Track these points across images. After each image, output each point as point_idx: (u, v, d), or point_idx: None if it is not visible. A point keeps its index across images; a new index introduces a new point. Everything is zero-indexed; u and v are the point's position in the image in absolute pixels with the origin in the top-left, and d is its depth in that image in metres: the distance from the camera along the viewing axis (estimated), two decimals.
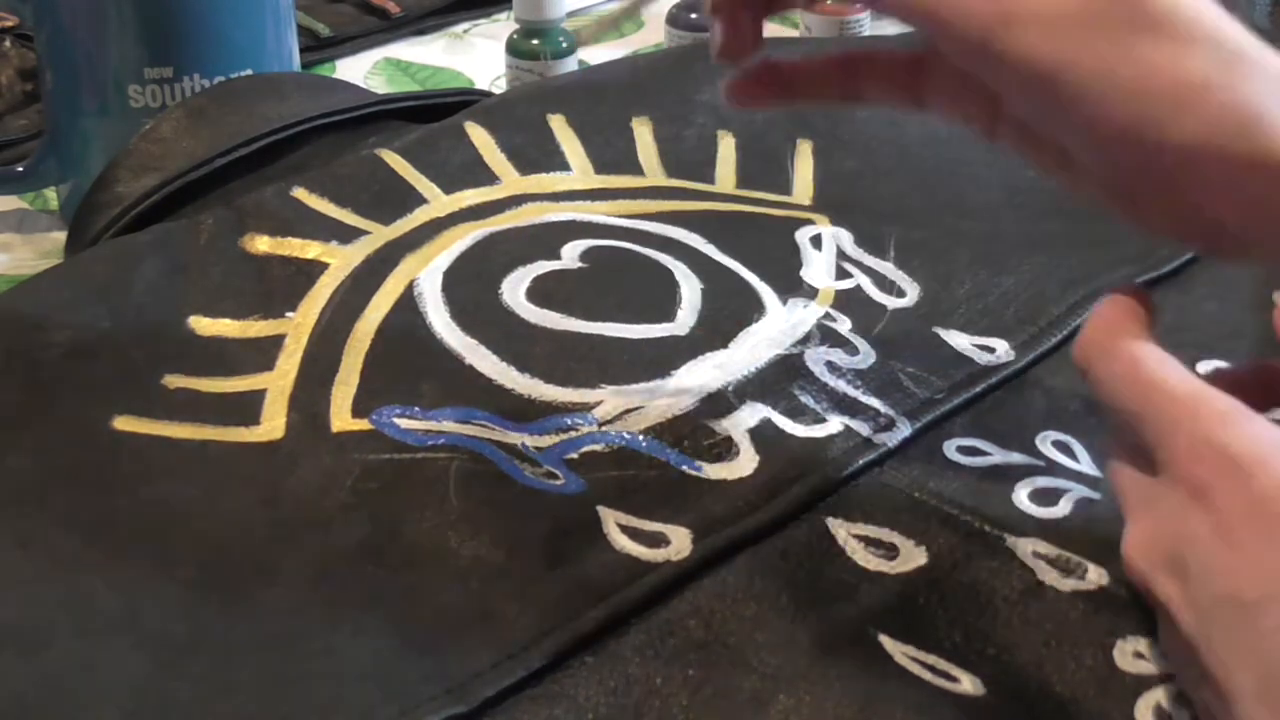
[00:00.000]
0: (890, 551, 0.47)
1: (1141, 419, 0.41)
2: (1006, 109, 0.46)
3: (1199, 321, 0.57)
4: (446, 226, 0.61)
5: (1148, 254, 0.60)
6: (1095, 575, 0.46)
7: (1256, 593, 0.36)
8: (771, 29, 1.00)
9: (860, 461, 0.50)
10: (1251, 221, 0.41)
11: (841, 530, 0.48)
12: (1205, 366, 0.54)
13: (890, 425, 0.51)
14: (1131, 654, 0.43)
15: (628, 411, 0.52)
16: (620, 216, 0.62)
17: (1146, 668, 0.43)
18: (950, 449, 0.51)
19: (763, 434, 0.51)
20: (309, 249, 0.59)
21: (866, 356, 0.55)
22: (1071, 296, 0.57)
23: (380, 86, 0.88)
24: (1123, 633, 0.44)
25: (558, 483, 0.49)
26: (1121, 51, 0.42)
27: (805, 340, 0.55)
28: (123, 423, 0.51)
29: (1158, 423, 0.41)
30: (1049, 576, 0.46)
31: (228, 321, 0.56)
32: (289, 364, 0.54)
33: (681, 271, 0.59)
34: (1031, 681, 0.43)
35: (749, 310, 0.57)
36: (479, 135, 0.66)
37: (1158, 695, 0.42)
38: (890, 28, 0.90)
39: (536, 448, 0.50)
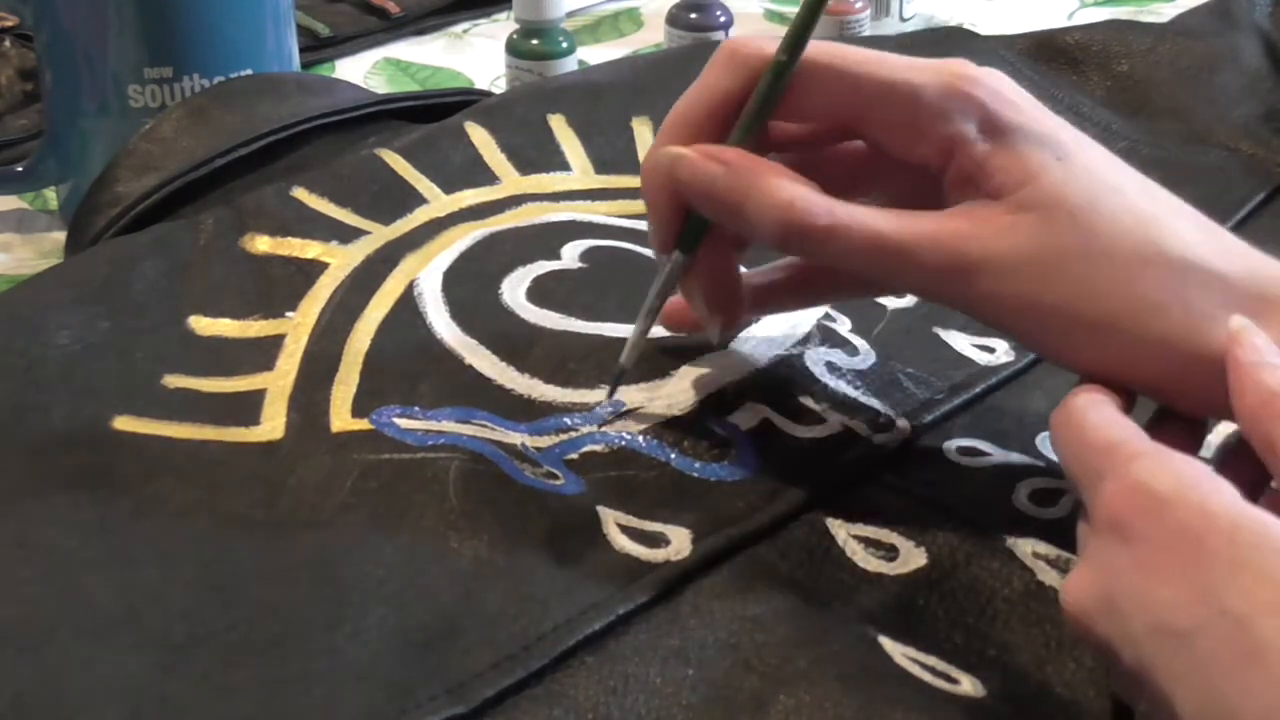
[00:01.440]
0: (890, 552, 0.47)
1: (1075, 468, 0.42)
2: None
3: None
4: (446, 226, 0.61)
5: None
6: None
7: (1188, 621, 0.36)
8: (772, 29, 1.00)
9: (860, 462, 0.50)
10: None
11: (841, 531, 0.48)
12: None
13: (890, 426, 0.51)
14: None
15: (628, 411, 0.52)
16: (620, 217, 0.62)
17: None
18: (950, 449, 0.51)
19: (762, 435, 0.51)
20: (309, 249, 0.59)
21: (866, 357, 0.55)
22: None
23: (380, 86, 0.88)
24: None
25: (557, 483, 0.49)
26: (1078, 286, 0.44)
27: (805, 341, 0.55)
28: (123, 423, 0.51)
29: (1085, 471, 0.41)
30: (1049, 577, 0.46)
31: (227, 321, 0.56)
32: (289, 364, 0.54)
33: None
34: (1031, 682, 0.43)
35: None
36: (479, 135, 0.66)
37: None
38: (891, 28, 0.91)
39: (536, 448, 0.50)
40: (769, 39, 0.47)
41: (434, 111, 0.69)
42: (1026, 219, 0.44)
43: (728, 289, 0.50)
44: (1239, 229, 0.62)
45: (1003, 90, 0.46)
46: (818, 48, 0.47)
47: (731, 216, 0.47)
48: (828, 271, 0.51)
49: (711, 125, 0.48)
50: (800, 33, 0.46)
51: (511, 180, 0.64)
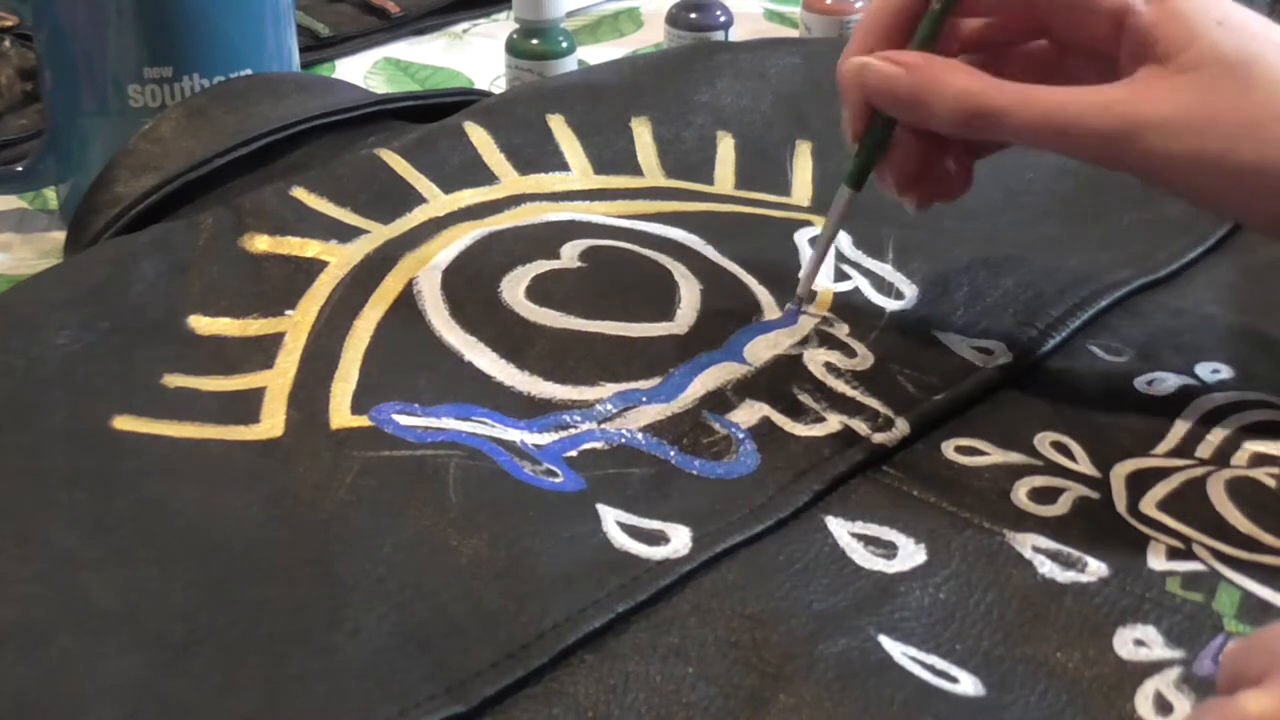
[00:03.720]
0: (889, 550, 0.47)
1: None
2: None
3: (1195, 326, 0.57)
4: (446, 226, 0.61)
5: (1145, 257, 0.60)
6: (1095, 567, 0.46)
7: None
8: (772, 29, 1.00)
9: (859, 461, 0.50)
10: None
11: (841, 529, 0.48)
12: (1203, 369, 0.55)
13: (889, 425, 0.51)
14: (1132, 642, 0.44)
15: (627, 409, 0.52)
16: (619, 217, 0.62)
17: (1146, 655, 0.43)
18: (949, 449, 0.51)
19: (762, 433, 0.51)
20: (308, 248, 0.59)
21: (865, 358, 0.55)
22: (1069, 299, 0.57)
23: (380, 86, 0.88)
24: (1123, 621, 0.44)
25: (557, 480, 0.49)
26: (1239, 136, 0.47)
27: (804, 341, 0.55)
28: (122, 422, 0.51)
29: None
30: (1048, 570, 0.46)
31: (227, 320, 0.56)
32: (288, 362, 0.54)
33: (680, 272, 0.59)
34: (1032, 674, 0.43)
35: (748, 311, 0.57)
36: (478, 135, 0.66)
37: (1157, 683, 0.42)
38: None
39: (536, 445, 0.50)
40: None
41: (434, 111, 0.69)
42: (1189, 79, 0.48)
43: (916, 176, 0.54)
44: (1240, 228, 0.62)
45: None
46: None
47: (914, 112, 0.51)
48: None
49: (896, 32, 0.53)
50: None
51: (511, 180, 0.64)
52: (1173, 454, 0.51)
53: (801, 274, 0.57)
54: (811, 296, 0.57)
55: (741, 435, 0.51)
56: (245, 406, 0.52)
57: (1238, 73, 0.48)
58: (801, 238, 0.61)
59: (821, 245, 0.56)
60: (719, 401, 0.52)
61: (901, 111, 0.52)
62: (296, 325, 0.56)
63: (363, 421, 0.51)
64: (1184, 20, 0.49)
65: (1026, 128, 0.49)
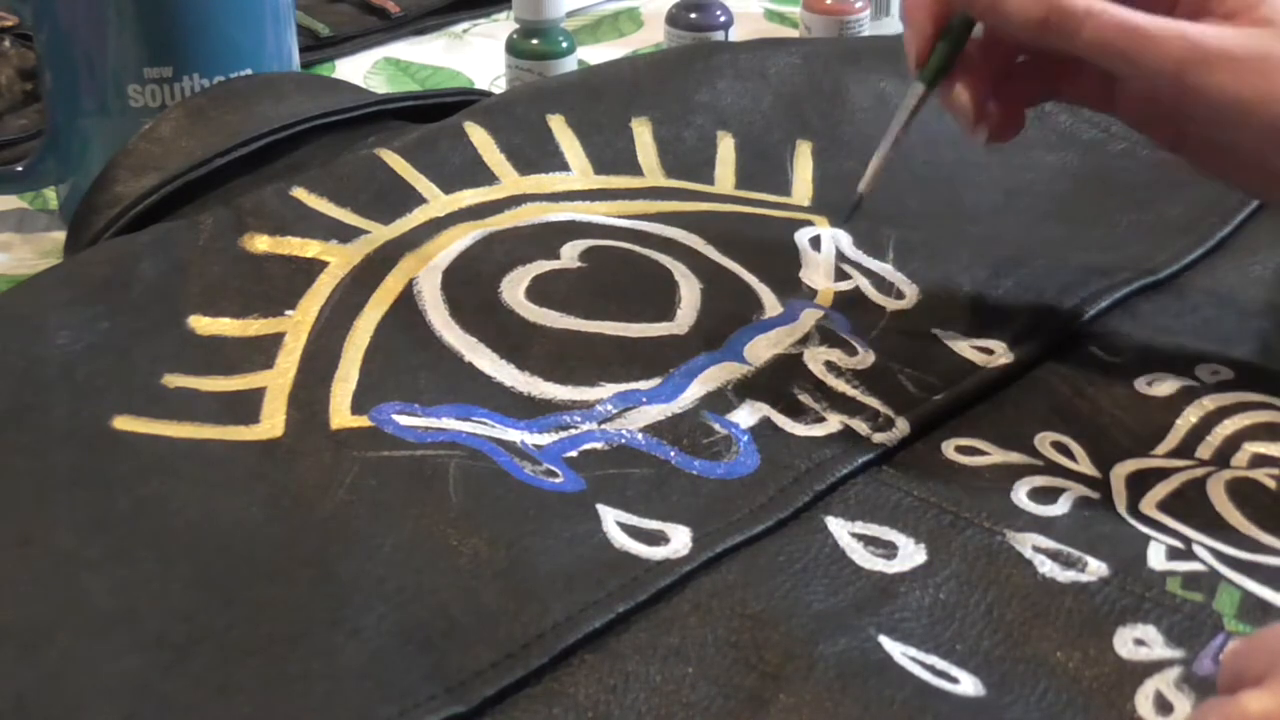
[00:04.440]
0: (889, 550, 0.47)
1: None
2: (1162, 112, 0.53)
3: (1195, 328, 0.57)
4: (446, 226, 0.61)
5: (1145, 259, 0.60)
6: (1095, 567, 0.46)
7: None
8: (772, 29, 1.00)
9: (859, 461, 0.50)
10: None
11: (841, 529, 0.48)
12: (1203, 370, 0.55)
13: (889, 425, 0.51)
14: (1132, 641, 0.44)
15: (627, 409, 0.52)
16: (619, 217, 0.62)
17: (1147, 654, 0.43)
18: (949, 449, 0.51)
19: (762, 433, 0.51)
20: (308, 248, 0.59)
21: (865, 357, 0.55)
22: (1070, 299, 0.57)
23: (380, 86, 0.88)
24: (1123, 621, 0.44)
25: (557, 480, 0.49)
26: None
27: (804, 341, 0.55)
28: (122, 422, 0.51)
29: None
30: (1049, 569, 0.46)
31: (227, 320, 0.56)
32: (288, 362, 0.54)
33: (681, 272, 0.59)
34: (1032, 674, 0.43)
35: (748, 310, 0.57)
36: (478, 135, 0.66)
37: (1157, 683, 0.42)
38: (891, 28, 0.91)
39: (536, 445, 0.50)
40: None
41: (434, 111, 0.69)
42: (1257, 31, 0.49)
43: (984, 104, 0.53)
44: (1240, 230, 0.62)
45: None
46: None
47: (992, 12, 0.51)
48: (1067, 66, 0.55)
49: None
50: None
51: (511, 180, 0.64)
52: (1173, 454, 0.51)
53: (868, 172, 0.56)
54: (865, 196, 0.56)
55: (741, 435, 0.51)
56: (245, 406, 0.52)
57: None
58: (802, 237, 0.61)
59: (887, 142, 0.56)
60: (719, 401, 0.52)
61: (983, 11, 0.51)
62: (297, 325, 0.56)
63: (363, 421, 0.51)
64: None
65: (1099, 40, 0.49)
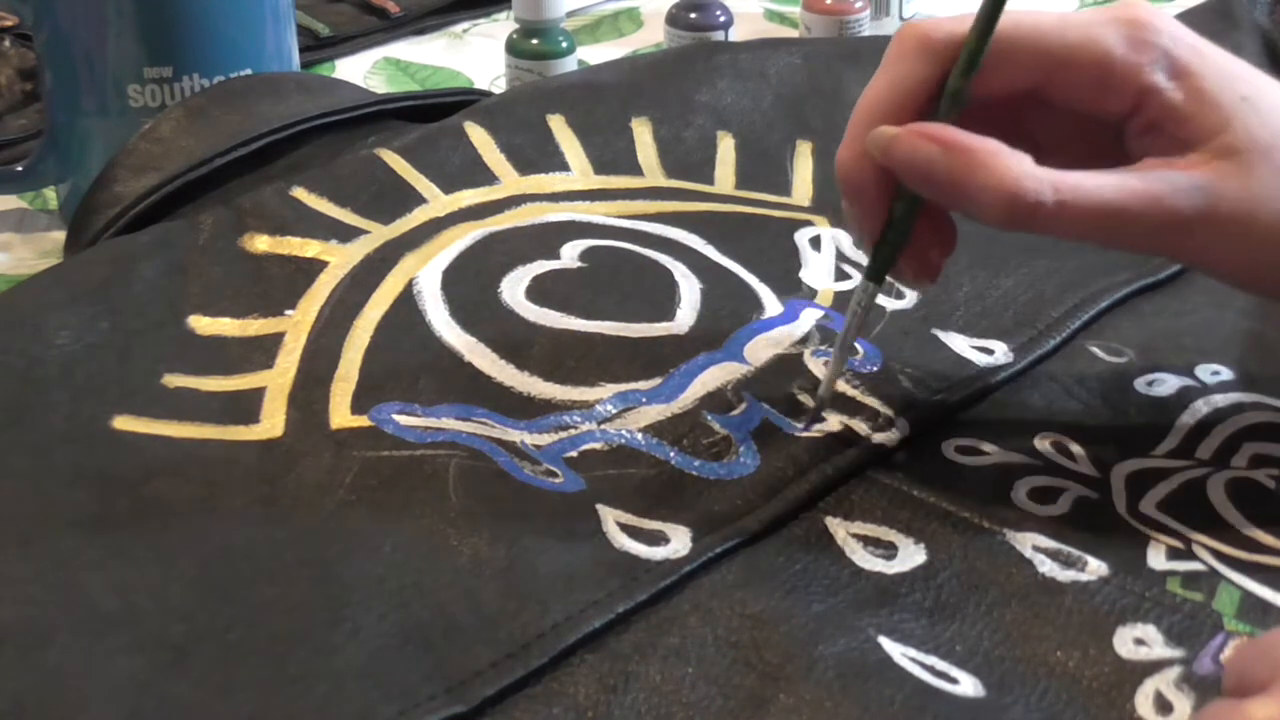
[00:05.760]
0: (889, 550, 0.47)
1: None
2: None
3: (1195, 328, 0.57)
4: (446, 226, 0.61)
5: (1145, 259, 0.60)
6: (1095, 567, 0.46)
7: None
8: (772, 29, 1.00)
9: (859, 461, 0.50)
10: None
11: (840, 529, 0.48)
12: (1202, 372, 0.55)
13: (889, 425, 0.51)
14: (1132, 641, 0.44)
15: (627, 410, 0.52)
16: (619, 217, 0.62)
17: (1147, 654, 0.43)
18: (949, 448, 0.51)
19: (762, 433, 0.51)
20: (308, 248, 0.59)
21: (865, 358, 0.55)
22: (1070, 300, 0.57)
23: (380, 86, 0.88)
24: (1123, 620, 0.44)
25: (557, 480, 0.49)
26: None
27: (804, 341, 0.55)
28: (122, 422, 0.51)
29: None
30: (1049, 569, 0.46)
31: (227, 320, 0.56)
32: (288, 362, 0.54)
33: (681, 272, 0.59)
34: (1032, 674, 0.43)
35: (748, 310, 0.57)
36: (478, 135, 0.66)
37: (1157, 683, 0.42)
38: (891, 28, 0.91)
39: (536, 445, 0.50)
40: (950, 20, 0.48)
41: (434, 111, 0.69)
42: (1228, 167, 0.46)
43: (932, 266, 0.51)
44: None
45: (1179, 34, 0.47)
46: (1000, 22, 0.47)
47: (952, 198, 0.47)
48: None
49: (904, 114, 0.48)
50: (992, 12, 0.46)
51: (511, 180, 0.64)
52: (1173, 455, 0.51)
53: (824, 377, 0.52)
54: (826, 403, 0.52)
55: (741, 436, 0.51)
56: (245, 406, 0.52)
57: (1272, 155, 0.46)
58: (802, 237, 0.61)
59: (842, 346, 0.51)
60: (719, 402, 0.52)
61: (937, 196, 0.47)
62: (296, 325, 0.56)
63: (363, 421, 0.51)
64: (1213, 104, 0.47)
65: (1078, 227, 0.46)
